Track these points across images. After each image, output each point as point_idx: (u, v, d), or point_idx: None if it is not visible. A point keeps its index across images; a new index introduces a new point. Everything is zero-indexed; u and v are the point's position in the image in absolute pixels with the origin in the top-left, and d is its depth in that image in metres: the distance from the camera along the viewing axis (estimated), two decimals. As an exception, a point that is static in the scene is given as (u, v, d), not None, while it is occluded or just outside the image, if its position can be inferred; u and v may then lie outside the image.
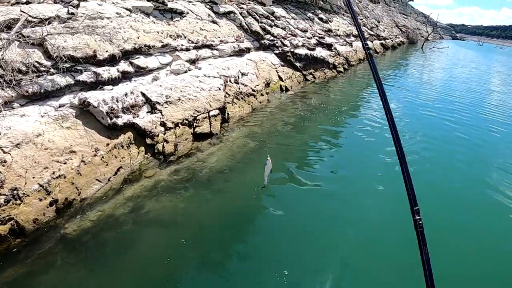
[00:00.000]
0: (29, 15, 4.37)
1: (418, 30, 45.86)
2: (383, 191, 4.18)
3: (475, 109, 8.93)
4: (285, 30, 11.61)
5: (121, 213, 3.51)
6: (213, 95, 5.43)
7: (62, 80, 4.16)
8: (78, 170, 3.63)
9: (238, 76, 6.91)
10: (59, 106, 4.04)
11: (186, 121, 4.77)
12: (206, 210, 3.67)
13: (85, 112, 4.08)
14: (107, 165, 3.85)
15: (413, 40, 37.83)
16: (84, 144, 3.82)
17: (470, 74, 17.41)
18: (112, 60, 4.68)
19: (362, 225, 3.56)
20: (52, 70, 4.18)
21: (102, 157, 3.85)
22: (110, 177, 3.81)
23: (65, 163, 3.61)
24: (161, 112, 4.60)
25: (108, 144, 3.96)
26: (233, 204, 3.80)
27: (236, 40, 8.50)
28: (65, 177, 3.52)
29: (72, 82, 4.24)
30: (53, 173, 3.49)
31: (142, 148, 4.27)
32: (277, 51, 10.25)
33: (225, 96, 5.84)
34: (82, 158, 3.72)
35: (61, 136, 3.77)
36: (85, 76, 4.29)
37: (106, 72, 4.44)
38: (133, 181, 3.91)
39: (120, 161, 3.97)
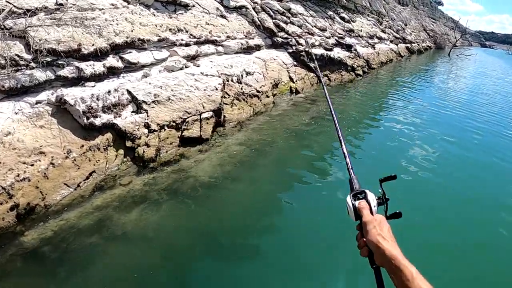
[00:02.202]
0: (14, 5, 4.12)
1: (446, 35, 43.89)
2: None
3: (501, 129, 7.66)
4: (301, 28, 11.05)
5: (86, 224, 3.19)
6: (208, 95, 5.01)
7: (42, 75, 3.89)
8: (45, 173, 3.33)
9: (242, 75, 6.47)
10: (36, 103, 3.77)
11: (174, 123, 4.38)
12: (182, 228, 3.28)
13: (62, 110, 3.79)
14: (78, 168, 3.53)
15: (440, 45, 36.13)
16: (55, 145, 3.52)
17: (497, 85, 16.01)
18: (99, 55, 4.36)
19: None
20: (32, 64, 3.91)
21: (74, 159, 3.54)
22: (80, 182, 3.49)
23: (32, 165, 3.32)
24: (146, 112, 4.24)
25: (82, 146, 3.65)
26: (213, 223, 3.35)
27: (246, 36, 8.06)
28: (29, 180, 3.23)
29: (53, 77, 3.96)
30: (18, 175, 3.22)
31: (121, 151, 3.93)
32: (290, 50, 9.72)
33: (223, 96, 5.42)
34: (52, 160, 3.43)
35: (32, 135, 3.49)
36: (66, 71, 4.00)
37: (90, 67, 4.12)
38: (105, 188, 3.57)
39: (94, 164, 3.65)
